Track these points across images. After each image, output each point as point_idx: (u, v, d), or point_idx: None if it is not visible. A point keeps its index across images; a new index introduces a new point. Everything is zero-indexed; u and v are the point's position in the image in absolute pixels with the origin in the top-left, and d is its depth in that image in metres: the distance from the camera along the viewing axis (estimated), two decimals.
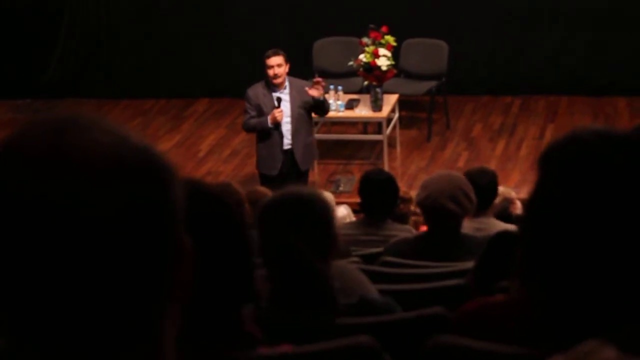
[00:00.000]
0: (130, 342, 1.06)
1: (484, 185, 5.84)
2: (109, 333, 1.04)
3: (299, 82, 8.97)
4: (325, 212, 2.85)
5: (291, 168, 8.88)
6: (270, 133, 8.84)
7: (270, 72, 8.71)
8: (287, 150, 8.89)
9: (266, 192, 6.27)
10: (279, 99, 8.76)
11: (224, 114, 11.81)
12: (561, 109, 11.42)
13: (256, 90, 8.86)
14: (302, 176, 8.82)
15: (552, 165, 1.35)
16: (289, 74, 8.88)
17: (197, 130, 11.49)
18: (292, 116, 8.83)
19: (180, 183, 1.09)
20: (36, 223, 1.00)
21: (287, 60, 8.78)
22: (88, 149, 1.03)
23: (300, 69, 11.17)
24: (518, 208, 6.73)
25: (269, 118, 8.74)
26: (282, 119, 8.75)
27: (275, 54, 8.75)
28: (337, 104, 9.99)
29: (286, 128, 8.86)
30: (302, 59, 11.34)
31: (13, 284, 1.02)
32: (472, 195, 5.05)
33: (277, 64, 8.70)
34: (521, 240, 1.37)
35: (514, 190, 7.51)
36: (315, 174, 10.03)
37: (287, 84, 8.83)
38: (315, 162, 10.08)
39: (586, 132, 1.33)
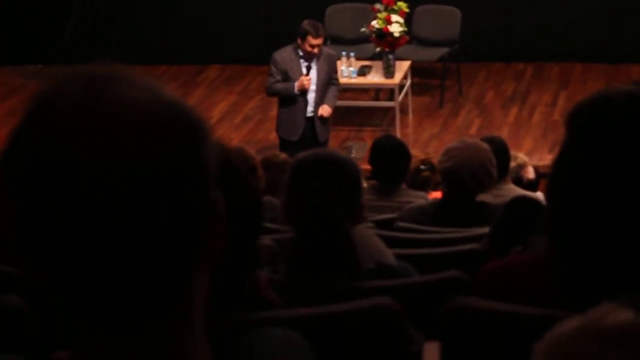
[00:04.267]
0: (165, 302, 1.05)
1: (494, 154, 5.82)
2: (143, 294, 1.03)
3: (324, 50, 8.97)
4: (356, 176, 2.86)
5: (311, 136, 8.92)
6: (295, 99, 8.89)
7: (310, 50, 8.72)
8: (309, 118, 8.93)
9: (281, 155, 6.27)
10: (309, 67, 8.79)
11: (235, 81, 11.79)
12: (574, 76, 11.38)
13: (283, 55, 8.88)
14: (321, 147, 8.82)
15: (580, 125, 1.34)
16: None
17: (209, 97, 11.48)
18: (318, 85, 8.86)
19: (213, 139, 1.09)
20: (70, 183, 0.99)
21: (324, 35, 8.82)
22: (123, 105, 1.01)
23: None
24: (530, 172, 6.72)
25: (297, 84, 8.78)
26: (309, 86, 8.78)
27: (319, 34, 8.74)
28: (349, 71, 9.98)
29: (311, 96, 8.90)
30: None
31: (48, 245, 1.01)
32: (494, 171, 5.04)
33: (318, 44, 8.74)
34: (548, 198, 1.37)
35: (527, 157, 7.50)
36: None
37: None
38: None
39: (617, 92, 1.33)
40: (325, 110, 8.93)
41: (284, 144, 8.84)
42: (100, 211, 0.99)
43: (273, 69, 8.88)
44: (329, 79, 8.96)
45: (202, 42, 12.13)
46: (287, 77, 8.82)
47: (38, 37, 12.35)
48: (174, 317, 1.06)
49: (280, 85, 8.88)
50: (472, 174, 4.95)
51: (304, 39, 8.73)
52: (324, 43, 10.63)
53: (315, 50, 8.74)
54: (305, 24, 8.79)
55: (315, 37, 8.71)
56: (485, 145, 5.19)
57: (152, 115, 1.03)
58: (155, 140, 1.02)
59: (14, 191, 1.02)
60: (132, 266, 1.02)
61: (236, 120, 10.80)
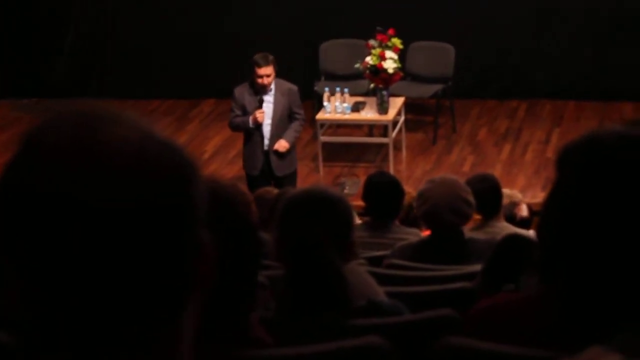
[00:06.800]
0: (149, 337, 1.05)
1: (487, 191, 5.83)
2: (128, 328, 1.04)
3: (284, 84, 8.98)
4: (348, 213, 2.86)
5: (268, 170, 8.97)
6: (252, 133, 8.94)
7: (259, 81, 8.75)
8: (267, 152, 8.96)
9: (273, 191, 6.26)
10: (261, 100, 8.82)
11: (229, 115, 11.79)
12: (567, 114, 11.41)
13: (241, 90, 8.96)
14: (281, 182, 8.80)
15: (571, 166, 1.35)
16: (277, 75, 8.88)
17: (203, 131, 11.49)
18: (274, 119, 8.88)
19: (202, 180, 1.09)
20: (58, 219, 1.00)
21: (275, 66, 8.78)
22: (113, 144, 1.02)
23: (307, 71, 11.18)
24: (523, 210, 6.73)
25: (250, 118, 8.83)
26: (263, 120, 8.82)
27: (266, 63, 8.72)
28: (343, 107, 10.00)
29: (267, 129, 8.94)
30: (309, 61, 11.35)
31: (33, 278, 1.02)
32: (471, 199, 5.04)
33: (266, 74, 8.73)
34: (539, 238, 1.37)
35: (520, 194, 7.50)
36: (321, 176, 10.03)
37: (272, 86, 8.86)
38: (321, 164, 10.09)
39: (606, 133, 1.33)
40: (281, 145, 8.95)
41: (249, 180, 8.90)
42: (87, 246, 1.00)
43: (233, 104, 8.99)
44: (289, 113, 8.97)
45: (196, 77, 12.16)
46: (245, 112, 8.89)
47: (32, 71, 12.38)
48: (160, 351, 1.06)
49: (238, 119, 8.97)
50: (452, 208, 4.95)
51: (252, 70, 8.77)
52: (318, 78, 10.70)
53: (265, 80, 8.74)
54: (255, 56, 8.83)
55: (261, 67, 8.72)
56: (454, 177, 5.22)
57: (142, 154, 1.03)
58: (145, 179, 1.02)
59: (4, 224, 1.03)
60: (116, 299, 1.02)
61: (230, 155, 10.81)
